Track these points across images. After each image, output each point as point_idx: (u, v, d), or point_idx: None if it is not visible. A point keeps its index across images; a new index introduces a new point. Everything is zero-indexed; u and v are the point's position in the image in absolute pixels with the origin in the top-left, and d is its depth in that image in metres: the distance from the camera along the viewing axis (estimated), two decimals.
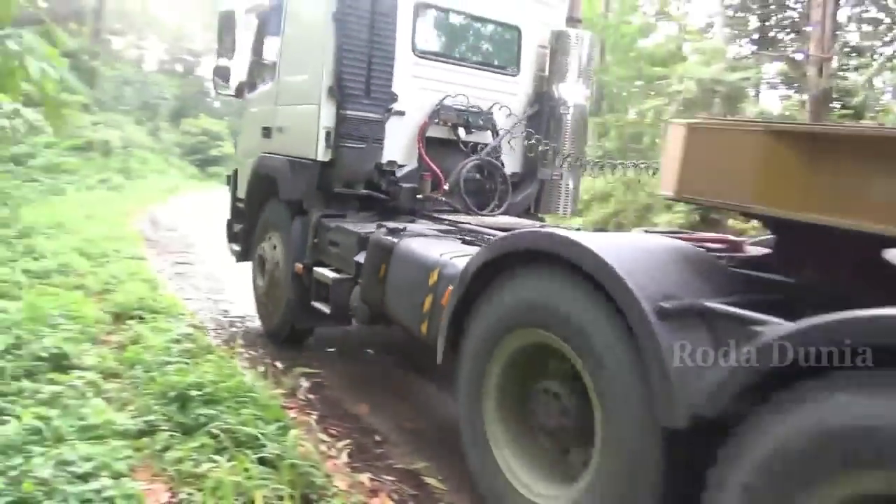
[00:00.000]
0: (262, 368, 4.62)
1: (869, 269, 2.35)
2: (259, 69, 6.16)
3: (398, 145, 5.18)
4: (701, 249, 2.93)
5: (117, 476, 2.91)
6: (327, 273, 4.71)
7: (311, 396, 4.68)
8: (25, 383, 3.76)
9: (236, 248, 6.56)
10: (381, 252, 4.07)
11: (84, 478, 2.82)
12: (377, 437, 4.22)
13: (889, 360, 1.69)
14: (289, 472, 3.20)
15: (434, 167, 5.23)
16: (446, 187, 5.23)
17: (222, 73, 6.34)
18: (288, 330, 5.51)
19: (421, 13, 5.27)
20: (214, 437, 3.39)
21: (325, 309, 4.70)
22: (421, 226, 4.72)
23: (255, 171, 5.83)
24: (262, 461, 3.25)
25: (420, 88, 5.24)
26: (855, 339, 1.74)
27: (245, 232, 6.27)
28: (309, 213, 5.14)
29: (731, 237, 3.45)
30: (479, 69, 5.60)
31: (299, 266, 5.06)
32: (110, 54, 30.41)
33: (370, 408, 4.67)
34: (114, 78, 28.59)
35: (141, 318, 5.50)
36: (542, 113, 5.66)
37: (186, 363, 4.33)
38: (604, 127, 22.27)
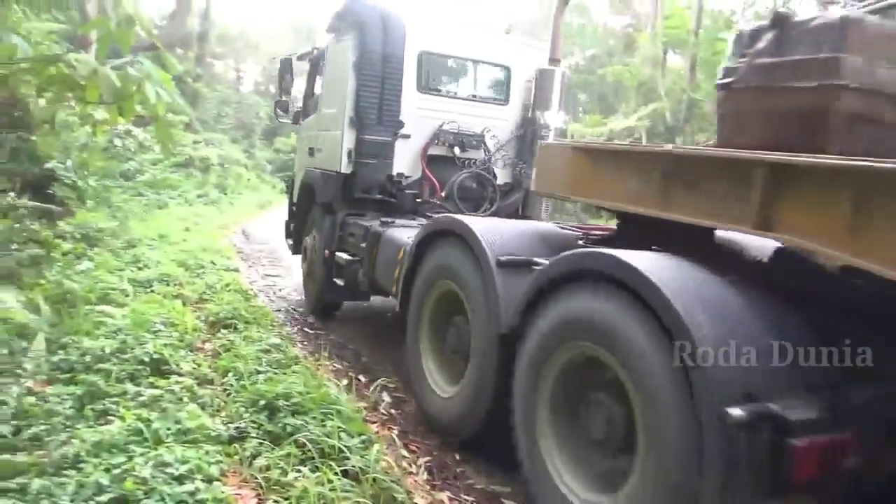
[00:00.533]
0: (345, 381, 4.71)
1: (701, 246, 3.02)
2: (309, 102, 7.74)
3: (405, 161, 6.48)
4: (565, 231, 4.18)
5: (209, 480, 3.03)
6: (343, 256, 6.19)
7: (392, 411, 4.72)
8: (129, 386, 3.98)
9: (290, 242, 8.32)
10: (374, 238, 5.61)
11: (180, 479, 2.95)
12: (457, 456, 4.20)
13: (592, 277, 2.86)
14: (371, 486, 3.24)
15: (433, 178, 6.51)
16: (443, 194, 6.50)
17: (282, 106, 8.24)
18: (322, 303, 7.04)
19: (425, 58, 6.50)
20: (301, 446, 3.47)
21: (341, 283, 6.23)
22: (409, 220, 6.03)
23: (302, 182, 7.51)
24: (345, 473, 3.30)
25: (423, 117, 6.48)
26: (570, 267, 3.06)
27: (296, 230, 7.94)
28: (336, 212, 6.52)
29: (607, 226, 4.55)
30: (475, 101, 6.86)
31: (327, 252, 6.49)
32: (211, 76, 32.16)
33: None
34: (214, 99, 30.18)
35: (234, 327, 5.73)
36: (527, 135, 6.76)
37: (275, 373, 4.47)
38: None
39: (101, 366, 4.20)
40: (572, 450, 3.09)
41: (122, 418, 3.43)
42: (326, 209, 6.68)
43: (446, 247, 4.35)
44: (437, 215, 5.04)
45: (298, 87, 8.07)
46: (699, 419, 2.26)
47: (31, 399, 3.63)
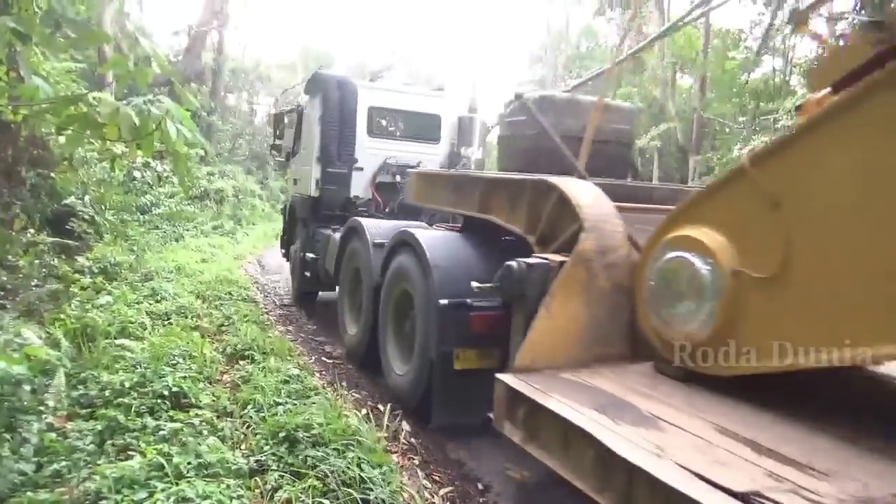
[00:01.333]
0: (365, 411, 4.68)
1: (484, 227, 4.74)
2: (294, 145, 9.59)
3: (359, 186, 8.56)
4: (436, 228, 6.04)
5: None
6: (310, 255, 8.49)
7: (413, 440, 4.68)
8: (149, 420, 3.98)
9: (283, 251, 10.95)
10: (326, 239, 7.93)
11: None
12: (479, 485, 4.15)
13: (404, 244, 5.21)
14: None
15: (379, 199, 8.51)
16: (386, 210, 8.42)
17: (277, 148, 10.78)
18: (299, 293, 9.46)
19: (373, 111, 8.62)
20: (322, 478, 3.44)
21: (308, 274, 8.62)
22: None
23: (290, 204, 10.10)
24: None
25: (372, 154, 8.56)
26: (396, 240, 5.38)
27: (287, 240, 10.56)
28: (309, 225, 8.83)
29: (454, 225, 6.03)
30: (412, 140, 8.82)
31: (302, 254, 8.86)
32: (225, 109, 32.66)
33: (470, 452, 4.61)
34: (228, 131, 30.60)
35: (252, 358, 5.73)
36: (451, 166, 8.46)
37: (295, 404, 4.45)
38: (706, 165, 21.55)
39: (120, 400, 4.21)
40: (397, 345, 5.46)
41: (143, 453, 3.42)
42: (303, 223, 9.16)
43: (354, 240, 6.57)
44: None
45: (288, 134, 10.00)
46: (435, 306, 4.50)
47: (52, 435, 3.64)
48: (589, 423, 2.39)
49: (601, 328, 3.25)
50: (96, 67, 16.36)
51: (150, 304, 7.18)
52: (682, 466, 2.06)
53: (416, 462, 4.21)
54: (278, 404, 4.45)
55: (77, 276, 7.74)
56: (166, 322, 6.59)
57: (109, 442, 3.66)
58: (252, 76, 39.71)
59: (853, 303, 2.25)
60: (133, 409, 4.11)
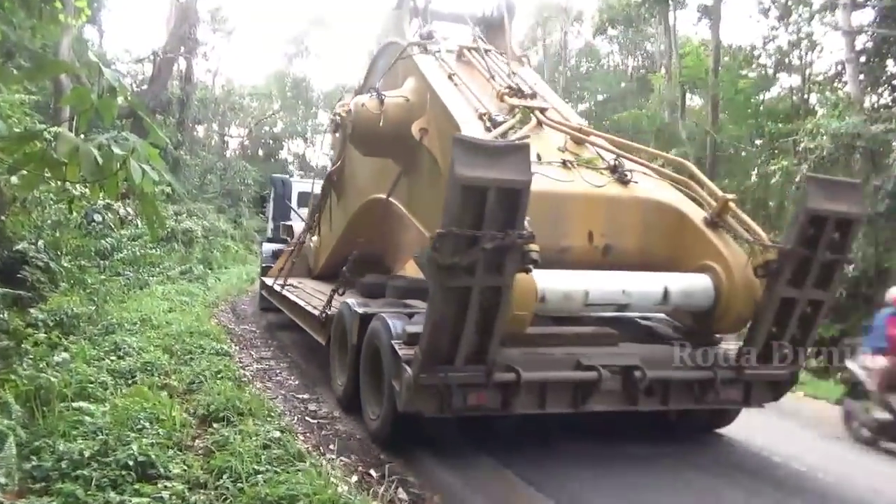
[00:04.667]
0: (355, 478, 4.58)
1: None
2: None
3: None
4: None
5: None
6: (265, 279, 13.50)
7: None
8: (111, 495, 3.88)
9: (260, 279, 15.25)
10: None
11: None
12: None
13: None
14: None
15: None
16: None
17: (264, 211, 20.01)
18: (260, 307, 14.34)
19: (301, 194, 15.10)
20: None
21: (264, 293, 13.26)
22: None
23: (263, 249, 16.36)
24: None
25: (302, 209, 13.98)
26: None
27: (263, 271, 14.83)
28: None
29: None
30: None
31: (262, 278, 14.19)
32: (194, 142, 32.84)
33: None
34: (197, 166, 30.66)
35: (227, 420, 5.63)
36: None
37: (277, 472, 4.35)
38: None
39: (79, 472, 4.11)
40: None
41: None
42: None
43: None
44: None
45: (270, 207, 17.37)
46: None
47: None
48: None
49: None
50: (51, 99, 16.45)
51: (112, 360, 7.07)
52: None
53: None
54: (258, 472, 4.35)
55: (30, 330, 7.63)
56: (130, 381, 6.48)
57: None
58: (223, 106, 40.08)
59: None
60: (93, 482, 4.01)
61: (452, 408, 5.33)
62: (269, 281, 12.39)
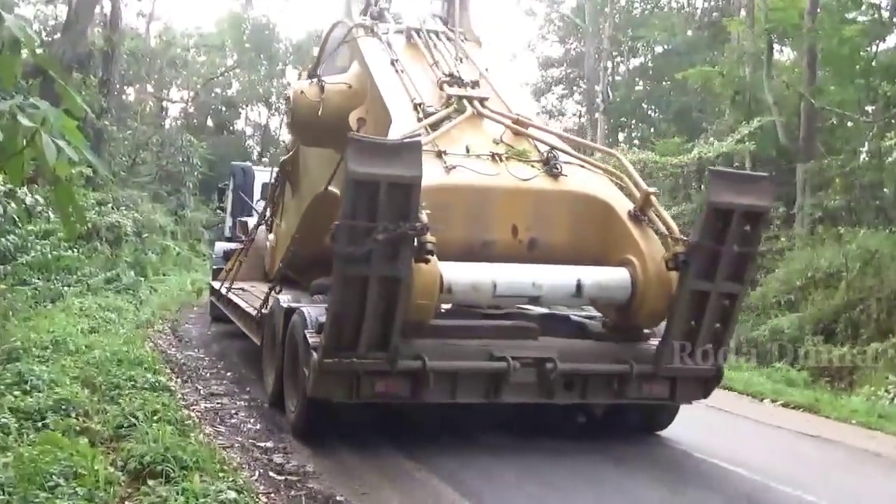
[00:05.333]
0: None
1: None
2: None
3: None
4: None
5: None
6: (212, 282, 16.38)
7: None
8: None
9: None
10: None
11: None
12: None
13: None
14: None
15: None
16: None
17: (222, 205, 21.76)
18: (211, 315, 15.76)
19: (262, 186, 17.25)
20: None
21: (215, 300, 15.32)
22: None
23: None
24: None
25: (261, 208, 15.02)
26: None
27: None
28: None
29: None
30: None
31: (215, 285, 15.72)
32: (123, 109, 32.83)
33: None
34: (127, 140, 30.52)
35: (167, 476, 5.66)
36: None
37: None
38: (823, 176, 21.56)
39: None
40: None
41: None
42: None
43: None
44: None
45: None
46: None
47: None
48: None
49: None
50: None
51: (16, 397, 7.09)
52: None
53: None
54: None
55: None
56: (40, 424, 6.49)
57: None
58: (161, 61, 39.98)
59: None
60: None
61: (361, 394, 7.09)
62: (217, 285, 14.29)
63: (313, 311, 7.82)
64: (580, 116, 45.69)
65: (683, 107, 33.65)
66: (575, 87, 45.09)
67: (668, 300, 7.52)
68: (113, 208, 22.38)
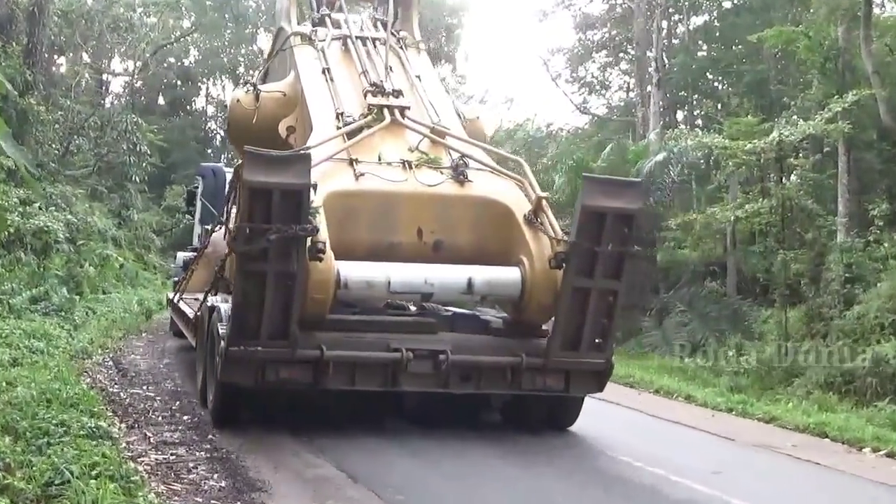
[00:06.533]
0: None
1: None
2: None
3: None
4: None
5: None
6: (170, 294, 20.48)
7: None
8: None
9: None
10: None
11: None
12: None
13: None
14: None
15: None
16: None
17: (191, 210, 23.45)
18: (171, 331, 19.65)
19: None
20: None
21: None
22: None
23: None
24: None
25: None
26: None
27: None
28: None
29: None
30: None
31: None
32: (53, 83, 32.75)
33: None
34: (58, 123, 30.37)
35: None
36: None
37: None
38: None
39: None
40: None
41: None
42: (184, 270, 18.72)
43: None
44: None
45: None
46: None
47: None
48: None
49: None
50: None
51: None
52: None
53: None
54: None
55: None
56: None
57: None
58: (99, 23, 39.90)
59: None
60: None
61: (266, 380, 9.94)
62: (172, 295, 17.61)
63: (227, 306, 10.40)
64: (628, 90, 45.74)
65: (758, 77, 33.46)
66: (622, 54, 45.15)
67: (554, 296, 10.34)
68: (41, 208, 22.28)
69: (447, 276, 10.76)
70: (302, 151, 10.11)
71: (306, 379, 10.05)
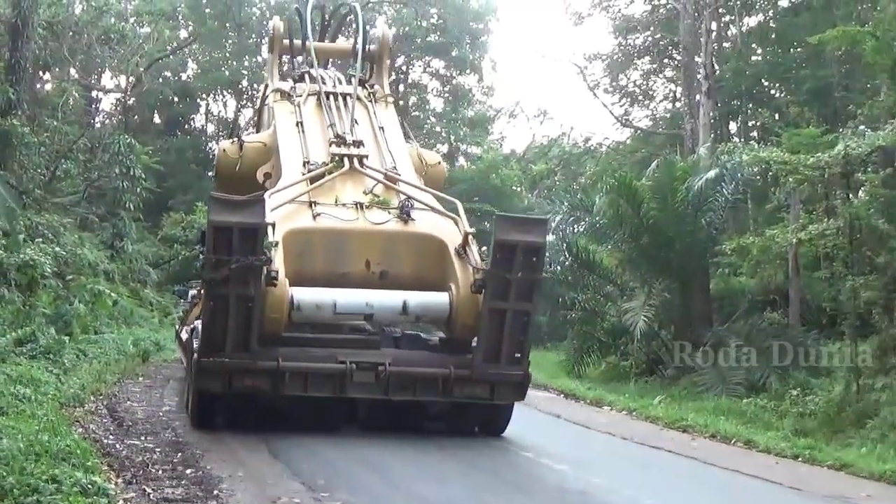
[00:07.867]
0: None
1: None
2: None
3: None
4: None
5: None
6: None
7: None
8: None
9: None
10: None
11: None
12: None
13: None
14: None
15: None
16: None
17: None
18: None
19: None
20: None
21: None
22: None
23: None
24: None
25: None
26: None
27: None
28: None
29: None
30: None
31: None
32: (38, 102, 32.90)
33: None
34: (43, 147, 30.48)
35: None
36: None
37: None
38: None
39: None
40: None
41: None
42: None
43: None
44: None
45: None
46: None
47: None
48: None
49: None
50: None
51: None
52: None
53: None
54: None
55: None
56: None
57: None
58: (89, 35, 40.13)
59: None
60: None
61: (233, 387, 13.36)
62: (179, 328, 21.58)
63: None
64: (674, 100, 45.64)
65: (820, 84, 33.40)
66: (667, 60, 45.09)
67: (476, 317, 13.93)
68: (26, 240, 22.40)
69: (386, 299, 14.42)
70: (258, 196, 14.14)
71: (266, 386, 13.61)
